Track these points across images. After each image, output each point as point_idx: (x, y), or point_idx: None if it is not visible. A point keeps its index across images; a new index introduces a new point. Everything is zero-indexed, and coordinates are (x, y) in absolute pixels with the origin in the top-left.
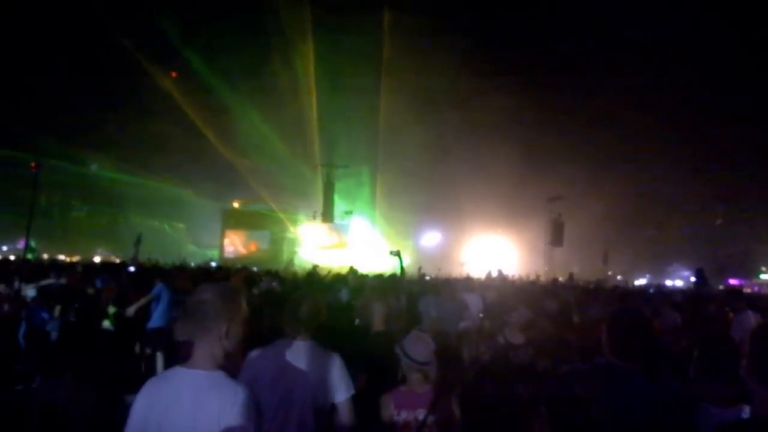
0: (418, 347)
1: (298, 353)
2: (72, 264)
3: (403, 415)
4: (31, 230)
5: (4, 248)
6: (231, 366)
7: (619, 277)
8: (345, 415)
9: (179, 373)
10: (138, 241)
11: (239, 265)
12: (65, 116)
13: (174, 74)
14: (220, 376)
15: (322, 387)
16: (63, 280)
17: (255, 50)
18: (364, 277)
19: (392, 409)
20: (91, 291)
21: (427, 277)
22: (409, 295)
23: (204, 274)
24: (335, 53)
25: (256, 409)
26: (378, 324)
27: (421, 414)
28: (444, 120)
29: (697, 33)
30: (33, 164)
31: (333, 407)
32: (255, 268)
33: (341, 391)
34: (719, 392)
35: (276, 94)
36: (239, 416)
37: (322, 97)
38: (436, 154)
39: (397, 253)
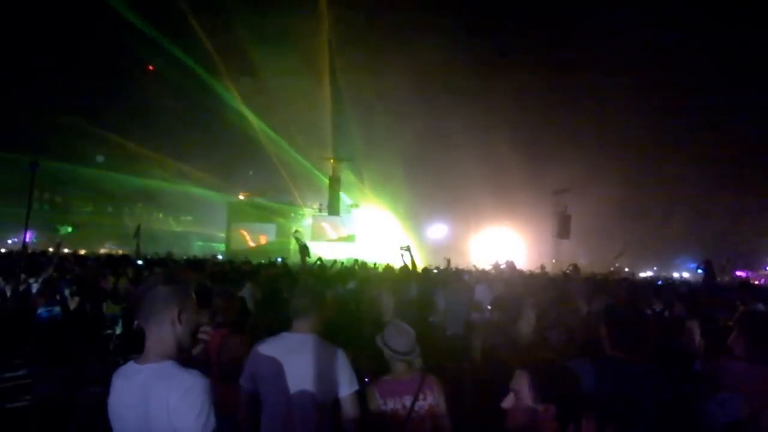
0: (400, 339)
1: (300, 347)
2: (84, 257)
3: (390, 404)
4: (36, 228)
5: (11, 241)
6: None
7: (626, 269)
8: (349, 409)
9: (132, 368)
10: (137, 233)
11: (244, 258)
12: (70, 111)
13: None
14: (168, 366)
15: (325, 381)
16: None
17: (261, 43)
18: (372, 268)
19: (378, 399)
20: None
21: (435, 270)
22: (421, 286)
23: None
24: (344, 46)
25: (209, 394)
26: (388, 315)
27: (408, 401)
28: (451, 112)
29: (707, 27)
30: (31, 163)
31: (337, 402)
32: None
33: (345, 385)
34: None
35: (282, 88)
36: (190, 404)
37: (329, 90)
38: (443, 147)
39: (407, 248)
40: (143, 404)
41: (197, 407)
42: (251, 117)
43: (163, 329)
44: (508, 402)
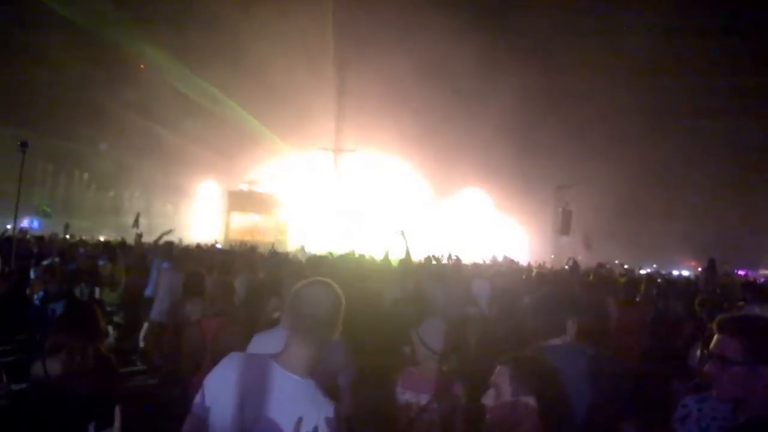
0: (438, 338)
1: None
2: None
3: (407, 396)
4: (30, 215)
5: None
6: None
7: (625, 267)
8: (348, 397)
9: (272, 367)
10: (136, 221)
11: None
12: (71, 96)
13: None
14: (315, 387)
15: (326, 370)
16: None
17: (263, 31)
18: (364, 259)
19: (398, 388)
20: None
21: (434, 262)
22: (417, 279)
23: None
24: (345, 35)
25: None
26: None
27: (424, 399)
28: (452, 105)
29: (708, 20)
30: (20, 143)
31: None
32: None
33: (343, 374)
34: None
35: (284, 77)
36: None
37: (327, 81)
38: (444, 139)
39: (402, 233)
40: (286, 418)
41: None
42: (253, 106)
43: (317, 350)
44: (489, 398)
